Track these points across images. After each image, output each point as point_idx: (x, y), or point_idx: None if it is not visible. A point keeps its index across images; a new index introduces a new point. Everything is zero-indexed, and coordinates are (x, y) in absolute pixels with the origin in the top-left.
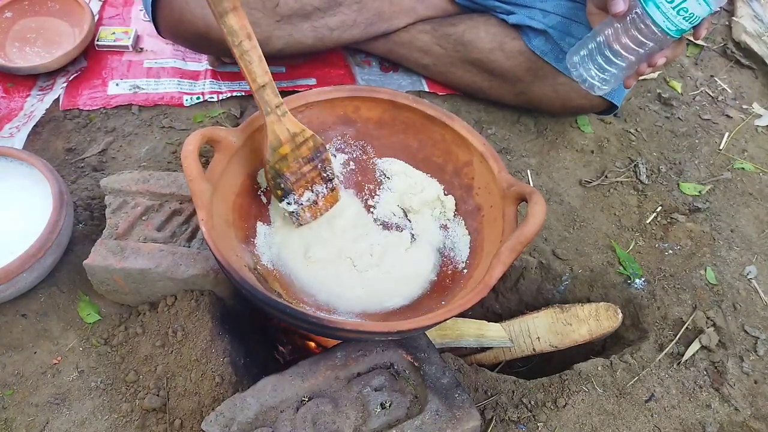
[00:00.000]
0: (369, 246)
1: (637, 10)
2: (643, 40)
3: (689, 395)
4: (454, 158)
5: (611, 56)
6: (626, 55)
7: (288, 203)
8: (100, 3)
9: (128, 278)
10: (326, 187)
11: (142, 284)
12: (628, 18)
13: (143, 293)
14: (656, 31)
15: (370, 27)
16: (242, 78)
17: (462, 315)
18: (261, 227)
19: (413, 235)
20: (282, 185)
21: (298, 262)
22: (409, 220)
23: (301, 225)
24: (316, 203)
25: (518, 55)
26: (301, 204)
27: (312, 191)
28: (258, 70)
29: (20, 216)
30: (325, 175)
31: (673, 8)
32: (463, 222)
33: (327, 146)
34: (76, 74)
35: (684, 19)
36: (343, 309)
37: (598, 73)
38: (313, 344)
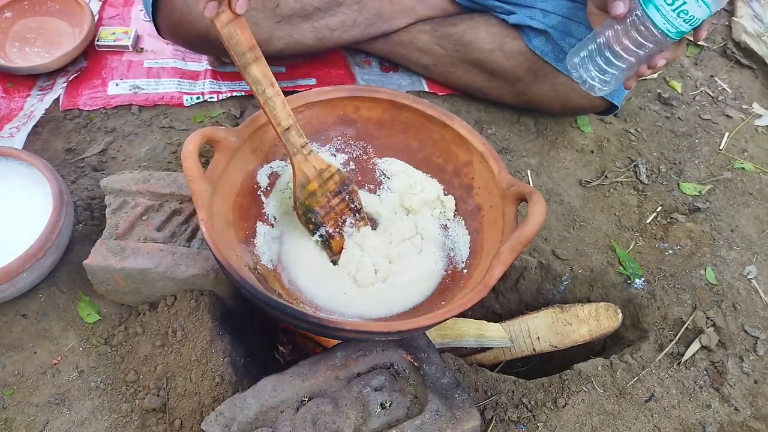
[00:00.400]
0: (373, 262)
1: (637, 12)
2: (643, 41)
3: (689, 395)
4: (454, 158)
5: (611, 57)
6: (626, 56)
7: (320, 236)
8: (100, 3)
9: (128, 278)
10: (355, 218)
11: (142, 284)
12: (628, 20)
13: (143, 293)
14: (656, 32)
15: (370, 27)
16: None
17: (462, 315)
18: (261, 227)
19: (421, 236)
20: (313, 219)
21: (300, 274)
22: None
23: (336, 259)
24: (341, 234)
25: (518, 55)
26: (332, 235)
27: (343, 223)
28: (282, 114)
29: (20, 216)
30: (353, 206)
31: (673, 10)
32: (463, 222)
33: (327, 146)
34: (76, 74)
35: (684, 21)
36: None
37: (598, 74)
38: (313, 344)
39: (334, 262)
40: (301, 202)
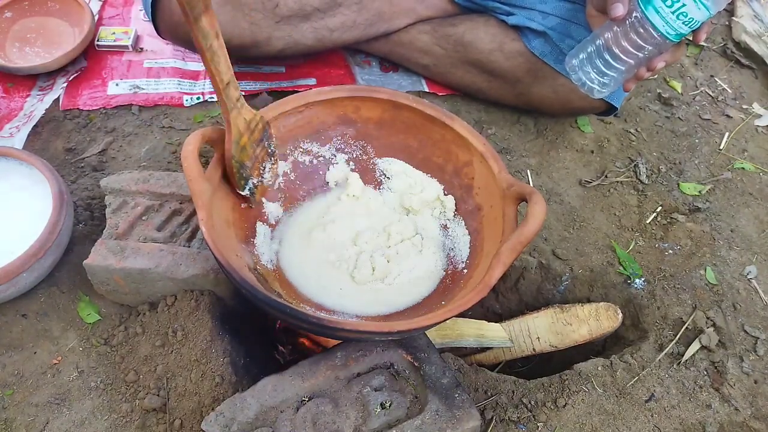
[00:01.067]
0: (370, 260)
1: (637, 14)
2: (643, 44)
3: (689, 395)
4: (454, 158)
5: (610, 60)
6: (625, 58)
7: (249, 189)
8: (100, 3)
9: (128, 278)
10: (271, 162)
11: (142, 284)
12: (627, 22)
13: (143, 293)
14: (655, 35)
15: (370, 28)
16: (242, 78)
17: (462, 315)
18: (261, 227)
19: (422, 236)
20: (244, 174)
21: (296, 271)
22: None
23: (256, 203)
24: (262, 182)
25: (518, 56)
26: (257, 185)
27: (263, 170)
28: (224, 68)
29: (20, 216)
30: (270, 150)
31: (673, 12)
32: (463, 222)
33: (327, 146)
34: (76, 74)
35: (683, 23)
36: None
37: (597, 76)
38: (312, 344)
39: (251, 206)
40: (236, 159)
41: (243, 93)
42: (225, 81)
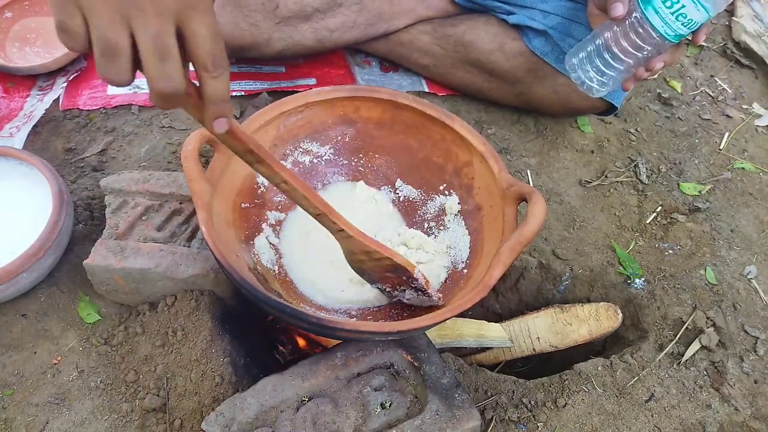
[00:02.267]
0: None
1: (636, 15)
2: (642, 44)
3: (689, 395)
4: (454, 158)
5: (610, 59)
6: (625, 58)
7: (377, 287)
8: None
9: (128, 278)
10: (417, 294)
11: (142, 284)
12: (627, 22)
13: (143, 293)
14: (655, 35)
15: (370, 28)
16: (242, 78)
17: (462, 315)
18: (261, 227)
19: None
20: (367, 277)
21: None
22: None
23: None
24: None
25: (518, 55)
26: (391, 293)
27: (402, 290)
28: (305, 204)
29: (20, 216)
30: (413, 285)
31: (672, 13)
32: (463, 222)
33: (327, 147)
34: (76, 74)
35: (682, 24)
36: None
37: (596, 75)
38: (313, 344)
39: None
40: (352, 265)
41: (243, 93)
42: (315, 214)
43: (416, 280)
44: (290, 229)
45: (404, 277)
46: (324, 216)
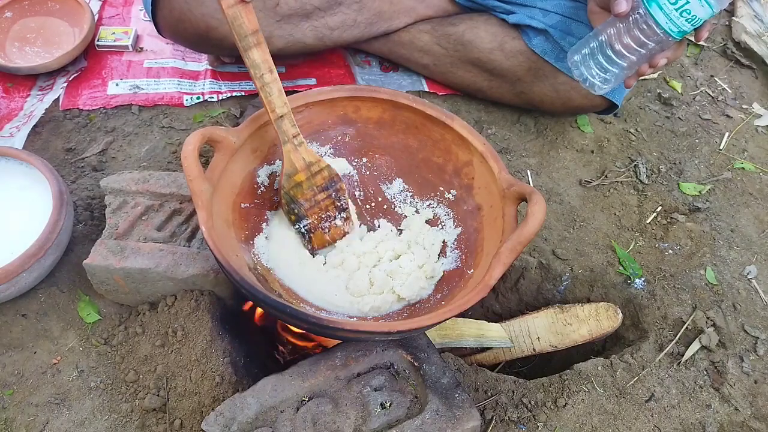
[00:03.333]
0: (369, 275)
1: (640, 11)
2: (645, 40)
3: (689, 395)
4: (454, 158)
5: (612, 56)
6: (627, 55)
7: (301, 228)
8: (100, 3)
9: (128, 278)
10: (340, 216)
11: (142, 284)
12: (630, 18)
13: (143, 293)
14: (658, 31)
15: (370, 27)
16: (242, 78)
17: (462, 315)
18: (261, 227)
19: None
20: (296, 210)
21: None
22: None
23: (316, 252)
24: (329, 230)
25: (518, 54)
26: (313, 231)
27: (326, 219)
28: (278, 101)
29: (20, 216)
30: (339, 204)
31: (676, 9)
32: (451, 212)
33: (327, 147)
34: (76, 74)
35: (686, 20)
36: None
37: (599, 72)
38: (313, 344)
39: (312, 254)
40: (285, 191)
41: (243, 93)
42: (278, 114)
43: (343, 193)
44: (286, 230)
45: (333, 195)
46: (287, 116)
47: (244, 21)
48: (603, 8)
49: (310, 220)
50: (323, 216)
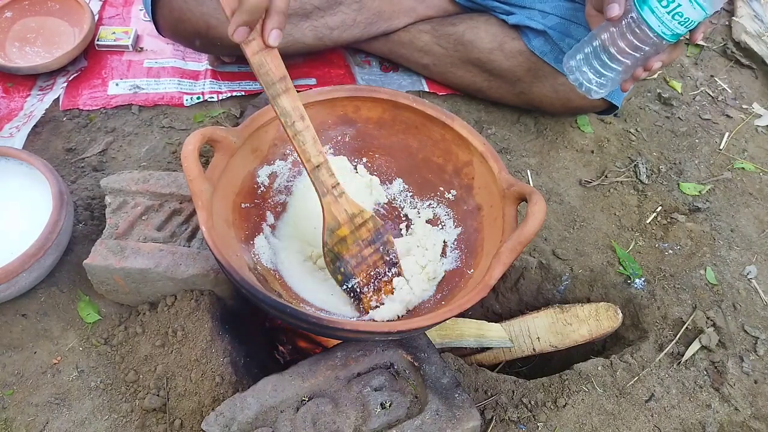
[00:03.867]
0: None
1: (633, 15)
2: (639, 44)
3: (689, 395)
4: (454, 158)
5: (607, 60)
6: (622, 59)
7: (350, 288)
8: (100, 3)
9: (128, 278)
10: (390, 272)
11: (142, 284)
12: (623, 22)
13: (143, 293)
14: (652, 35)
15: (370, 27)
16: (242, 78)
17: (462, 315)
18: (261, 227)
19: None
20: (342, 269)
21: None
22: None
23: (364, 312)
24: (380, 289)
25: (518, 55)
26: (362, 291)
27: (375, 277)
28: (312, 150)
29: (20, 216)
30: (388, 258)
31: (668, 12)
32: (451, 212)
33: (327, 147)
34: (76, 74)
35: (679, 23)
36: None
37: (594, 77)
38: (312, 344)
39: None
40: (329, 248)
41: (243, 93)
42: (314, 164)
43: (392, 246)
44: (287, 230)
45: (381, 248)
46: (323, 166)
47: (270, 68)
48: (599, 11)
49: (358, 279)
50: (372, 273)
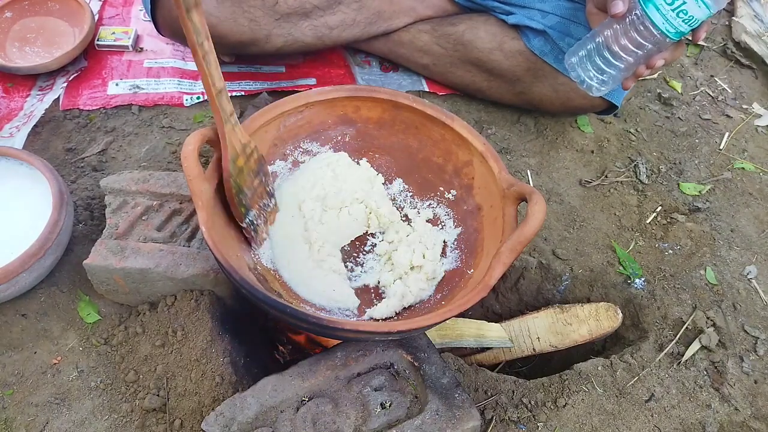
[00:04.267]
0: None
1: (637, 12)
2: (642, 42)
3: (689, 395)
4: (454, 158)
5: (610, 57)
6: (625, 56)
7: (249, 222)
8: (100, 3)
9: (128, 278)
10: (271, 203)
11: (142, 284)
12: (627, 19)
13: (143, 293)
14: (655, 33)
15: (369, 26)
16: (242, 78)
17: (462, 315)
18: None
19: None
20: (243, 201)
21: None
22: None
23: (259, 244)
24: (266, 221)
25: (518, 55)
26: (257, 223)
27: (263, 208)
28: (216, 74)
29: (20, 216)
30: (268, 189)
31: (673, 10)
32: (451, 212)
33: (327, 147)
34: (76, 74)
35: (683, 21)
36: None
37: (596, 74)
38: (312, 344)
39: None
40: (234, 179)
41: (243, 93)
42: (218, 88)
43: (269, 176)
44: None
45: (263, 179)
46: (224, 91)
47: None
48: (600, 9)
49: (254, 211)
50: (261, 204)
